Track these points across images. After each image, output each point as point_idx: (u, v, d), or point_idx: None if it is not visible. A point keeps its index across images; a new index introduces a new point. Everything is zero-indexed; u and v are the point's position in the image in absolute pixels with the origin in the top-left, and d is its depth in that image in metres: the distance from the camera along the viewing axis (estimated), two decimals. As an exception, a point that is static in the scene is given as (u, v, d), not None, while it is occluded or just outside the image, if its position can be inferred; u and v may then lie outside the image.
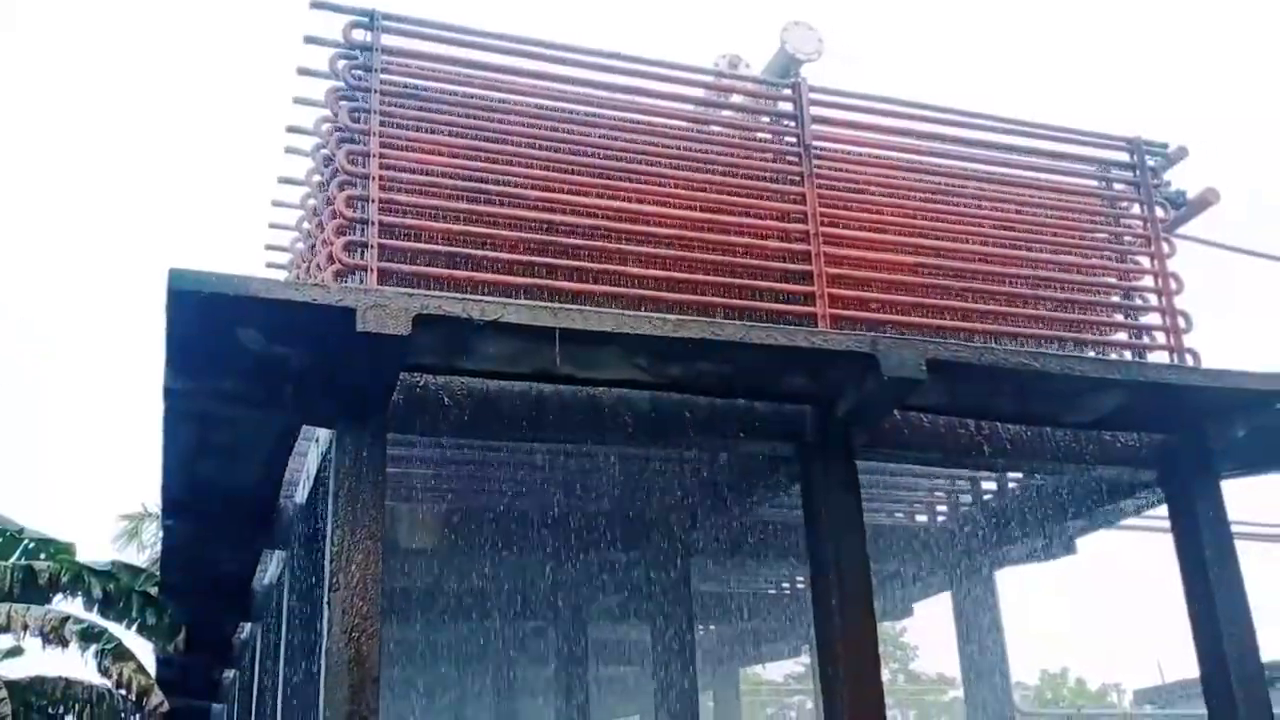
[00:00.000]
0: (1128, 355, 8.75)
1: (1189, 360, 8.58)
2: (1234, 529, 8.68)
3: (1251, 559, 8.80)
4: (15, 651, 12.62)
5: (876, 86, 8.54)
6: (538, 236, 7.36)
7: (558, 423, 7.42)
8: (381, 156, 7.15)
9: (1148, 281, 8.94)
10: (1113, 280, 8.99)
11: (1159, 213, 9.03)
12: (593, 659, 14.14)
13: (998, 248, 8.54)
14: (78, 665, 10.40)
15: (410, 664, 16.42)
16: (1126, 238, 9.11)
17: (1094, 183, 9.21)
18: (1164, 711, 20.69)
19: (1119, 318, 8.94)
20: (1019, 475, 10.80)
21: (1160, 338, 8.75)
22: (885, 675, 7.46)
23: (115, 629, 10.30)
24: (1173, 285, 8.85)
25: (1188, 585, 8.55)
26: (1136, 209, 9.12)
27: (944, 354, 7.21)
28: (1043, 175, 9.02)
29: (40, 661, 11.45)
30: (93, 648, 9.98)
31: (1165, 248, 8.95)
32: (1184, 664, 9.10)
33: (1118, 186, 9.20)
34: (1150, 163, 9.13)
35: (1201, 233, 10.01)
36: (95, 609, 10.24)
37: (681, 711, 10.64)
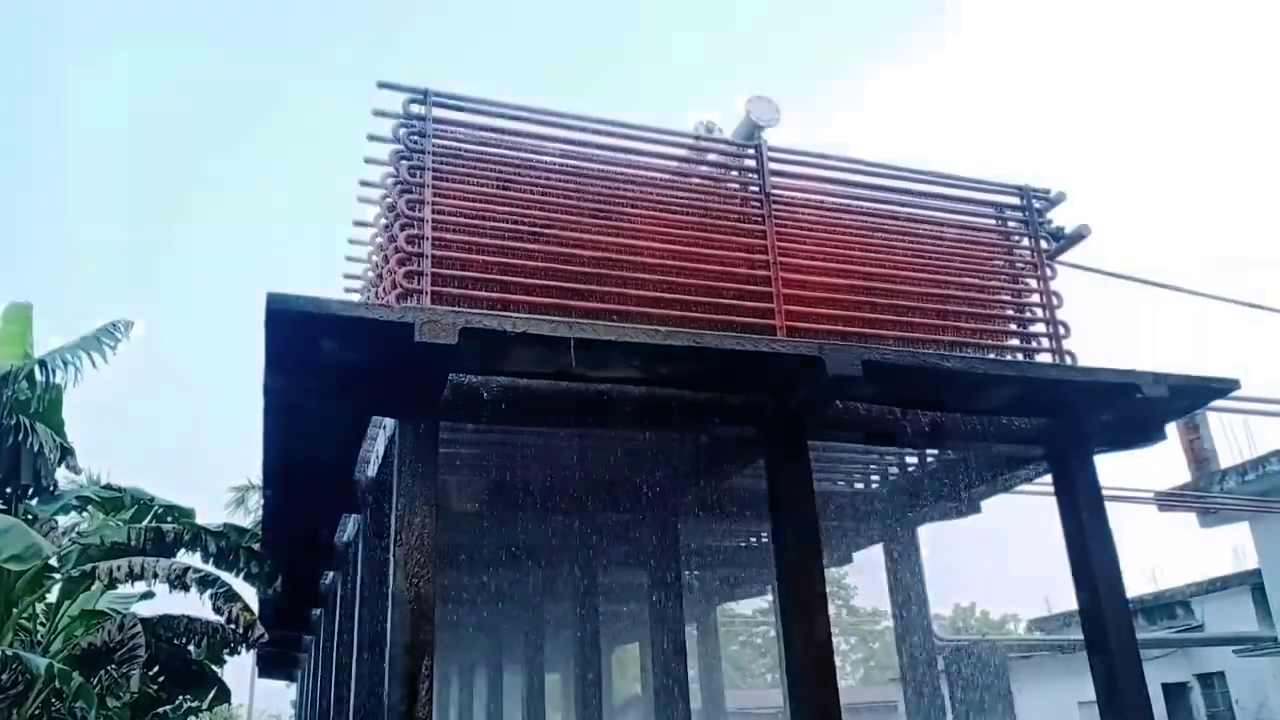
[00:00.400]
0: (1020, 357, 8.74)
1: (1068, 360, 8.57)
2: (1104, 493, 8.68)
3: (1118, 517, 8.79)
4: (147, 595, 12.56)
5: (822, 144, 8.59)
6: (557, 265, 7.37)
7: (572, 412, 7.44)
8: (434, 204, 7.15)
9: (1035, 299, 8.93)
10: (1008, 298, 8.98)
11: (1043, 244, 9.04)
12: (602, 598, 14.11)
13: (916, 272, 8.53)
14: (196, 606, 10.39)
15: (459, 603, 16.40)
16: (1018, 264, 9.10)
17: (992, 220, 9.19)
18: (1049, 637, 20.64)
19: (1013, 327, 8.94)
20: (935, 451, 10.79)
21: (1045, 343, 8.75)
22: (831, 610, 7.43)
23: (226, 577, 10.26)
24: (1054, 301, 8.85)
25: (1068, 537, 8.54)
26: (1026, 241, 9.12)
27: (875, 357, 7.21)
28: (952, 215, 9.00)
29: (167, 604, 11.46)
30: (209, 591, 9.93)
31: (1048, 272, 8.96)
32: (1066, 599, 9.09)
33: (1011, 224, 9.19)
34: (1036, 205, 9.13)
35: (1079, 260, 9.99)
36: (210, 561, 10.20)
37: (671, 639, 10.62)
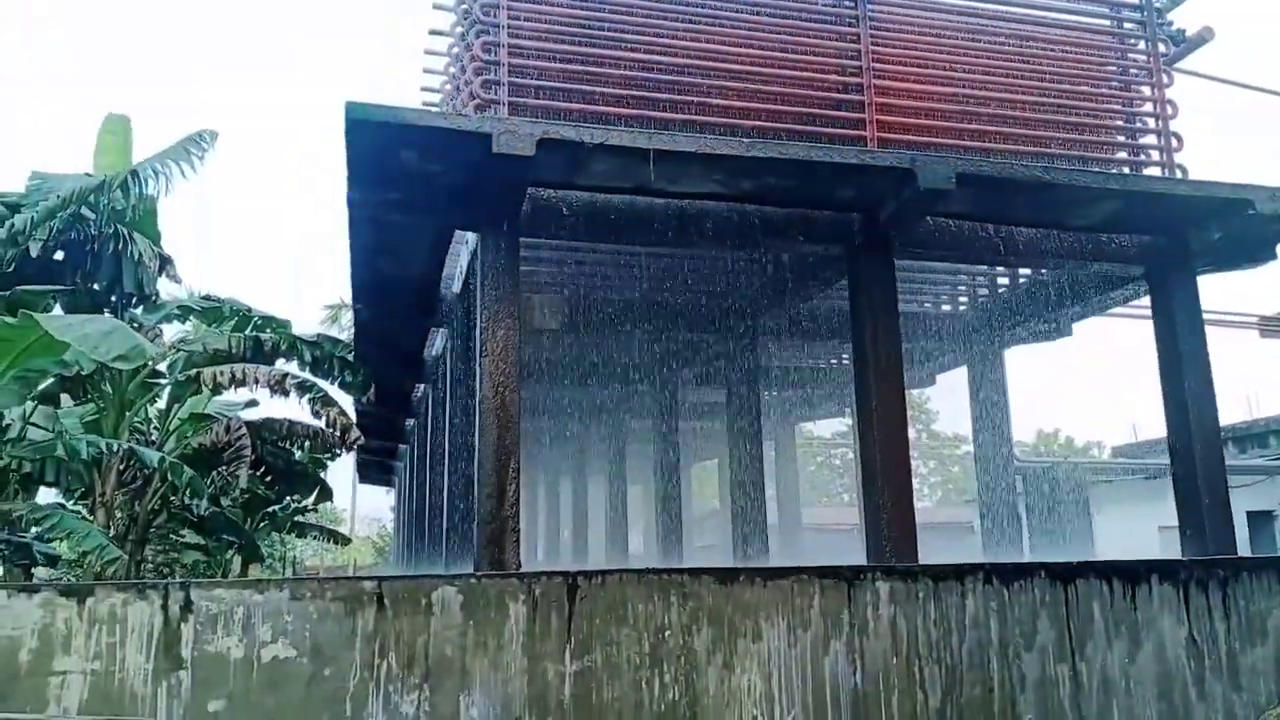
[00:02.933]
0: (1127, 171, 8.27)
1: (1178, 174, 8.08)
2: (1204, 316, 8.34)
3: (1217, 342, 8.47)
4: (252, 403, 13.27)
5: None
6: (638, 74, 7.14)
7: (652, 228, 7.35)
8: (509, 8, 6.92)
9: (1148, 108, 8.35)
10: (1118, 106, 8.40)
11: (1160, 48, 8.36)
12: (683, 415, 14.42)
13: (1020, 79, 8.02)
14: (297, 413, 10.95)
15: (546, 417, 16.96)
16: (1132, 69, 8.46)
17: (1107, 21, 8.51)
18: (1130, 460, 20.49)
19: (1121, 139, 8.41)
20: (1028, 271, 10.47)
21: (1155, 156, 8.24)
22: (911, 434, 7.43)
23: (322, 384, 10.73)
24: (1168, 111, 8.26)
25: (1162, 360, 8.30)
26: (1142, 45, 8.44)
27: (969, 169, 6.90)
28: (1062, 15, 8.35)
29: (270, 412, 12.10)
30: (307, 397, 10.41)
31: (1164, 79, 8.32)
32: (1153, 427, 8.93)
33: (1127, 25, 8.49)
34: (1156, 4, 8.40)
35: (1201, 68, 9.25)
36: (307, 369, 10.63)
37: (750, 456, 10.87)
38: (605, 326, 10.55)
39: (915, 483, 8.23)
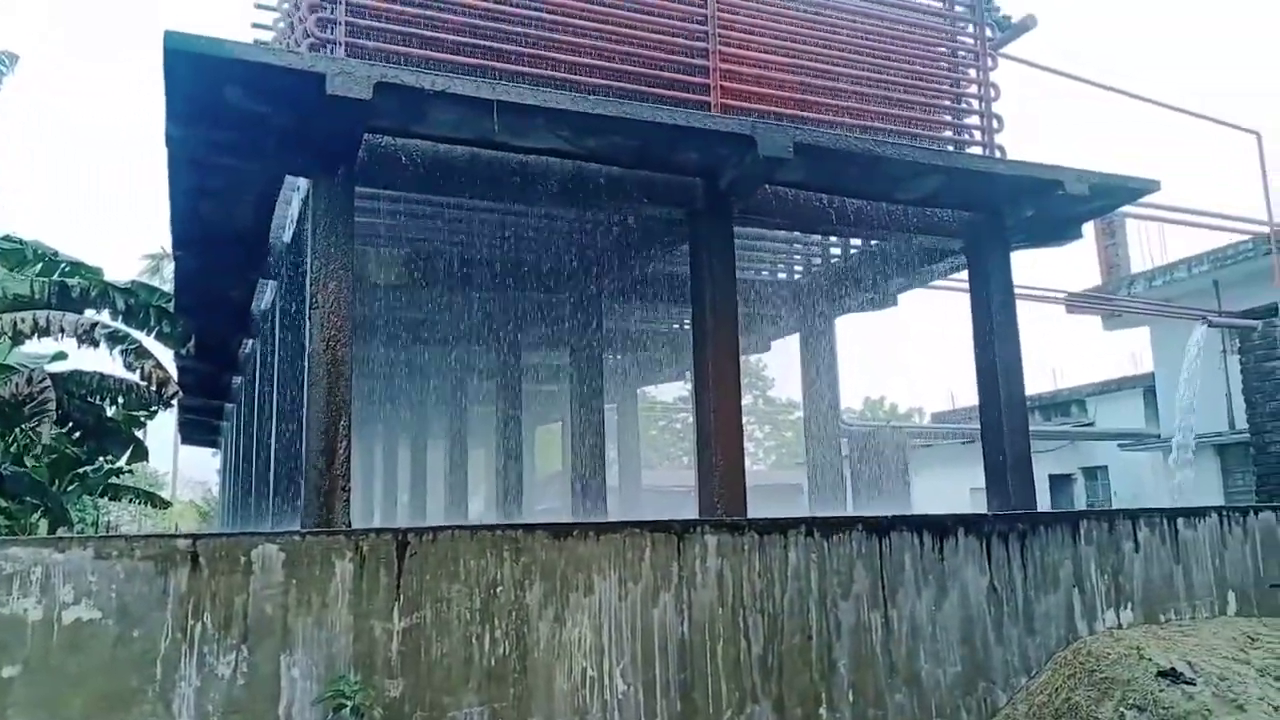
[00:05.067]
0: (951, 149, 8.71)
1: (998, 154, 8.58)
2: (1016, 291, 8.93)
3: (1027, 317, 9.09)
4: (60, 355, 12.35)
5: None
6: (483, 23, 6.97)
7: (495, 184, 7.25)
8: (348, -58, 6.60)
9: (973, 89, 8.81)
10: (946, 87, 8.82)
11: (987, 32, 8.83)
12: (525, 378, 14.36)
13: (857, 54, 8.31)
14: (109, 366, 10.26)
15: (382, 376, 16.52)
16: (960, 51, 8.90)
17: (940, 4, 8.90)
18: (946, 426, 21.85)
19: (947, 118, 8.84)
20: (857, 242, 10.92)
21: (978, 136, 8.72)
22: (747, 400, 7.67)
23: (137, 335, 10.08)
24: (991, 93, 8.75)
25: (976, 329, 8.84)
26: (971, 29, 8.88)
27: (806, 138, 7.12)
28: (899, -4, 8.68)
29: (80, 362, 11.28)
30: (119, 348, 9.76)
31: (990, 62, 8.81)
32: (970, 395, 9.51)
33: (958, 8, 8.91)
34: (985, -11, 8.86)
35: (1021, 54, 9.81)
36: (120, 319, 9.95)
37: (591, 420, 10.94)
38: (446, 283, 10.35)
39: (751, 446, 8.53)
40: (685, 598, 5.62)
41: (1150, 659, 6.36)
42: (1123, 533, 7.31)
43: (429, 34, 6.81)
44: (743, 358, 9.02)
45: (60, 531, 13.95)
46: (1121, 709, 6.02)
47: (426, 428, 20.44)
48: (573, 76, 7.17)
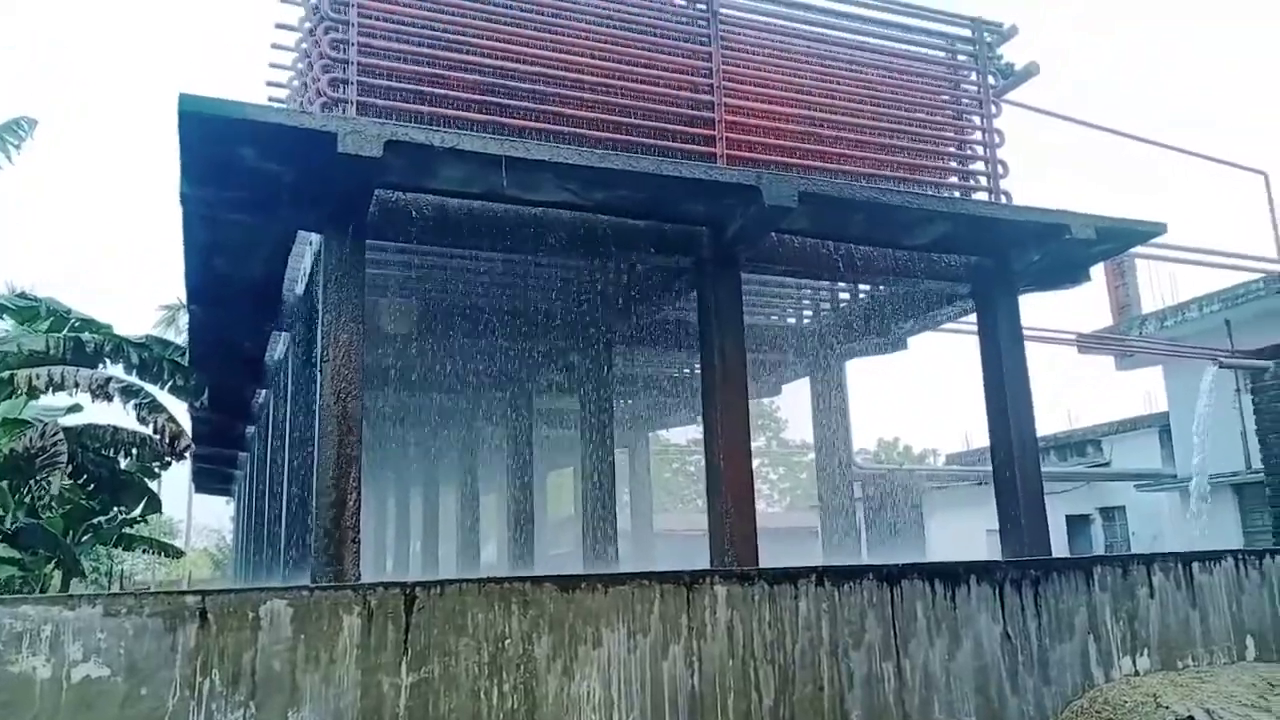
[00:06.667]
0: (957, 195, 8.78)
1: (1003, 199, 8.64)
2: (1026, 333, 8.94)
3: (1038, 358, 9.09)
4: (75, 409, 12.46)
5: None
6: (491, 80, 7.11)
7: (504, 236, 7.33)
8: (360, 6, 6.78)
9: (977, 136, 8.90)
10: (951, 134, 8.91)
11: (990, 80, 8.94)
12: (536, 424, 14.39)
13: (861, 104, 8.42)
14: (124, 419, 10.34)
15: (396, 424, 16.57)
16: (963, 99, 9.00)
17: (942, 53, 9.03)
18: (960, 468, 21.71)
19: (953, 164, 8.93)
20: (865, 287, 10.96)
21: (983, 181, 8.78)
22: (760, 442, 7.70)
23: (150, 388, 10.18)
24: (995, 139, 8.84)
25: (986, 373, 8.84)
26: (974, 76, 8.99)
27: (811, 188, 7.19)
28: (902, 45, 8.82)
29: (95, 416, 11.38)
30: (133, 402, 9.86)
31: (993, 109, 8.90)
32: (984, 436, 9.45)
33: (960, 57, 9.03)
34: (987, 38, 8.98)
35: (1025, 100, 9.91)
36: (134, 373, 10.07)
37: (602, 465, 10.94)
38: (457, 332, 10.44)
39: (765, 489, 8.54)
40: (695, 650, 5.59)
41: (1168, 706, 6.27)
42: (1137, 578, 7.24)
43: (438, 91, 6.95)
44: (754, 401, 9.03)
45: (73, 582, 13.99)
46: (1141, 760, 5.92)
47: (439, 474, 20.45)
48: (580, 130, 7.29)
